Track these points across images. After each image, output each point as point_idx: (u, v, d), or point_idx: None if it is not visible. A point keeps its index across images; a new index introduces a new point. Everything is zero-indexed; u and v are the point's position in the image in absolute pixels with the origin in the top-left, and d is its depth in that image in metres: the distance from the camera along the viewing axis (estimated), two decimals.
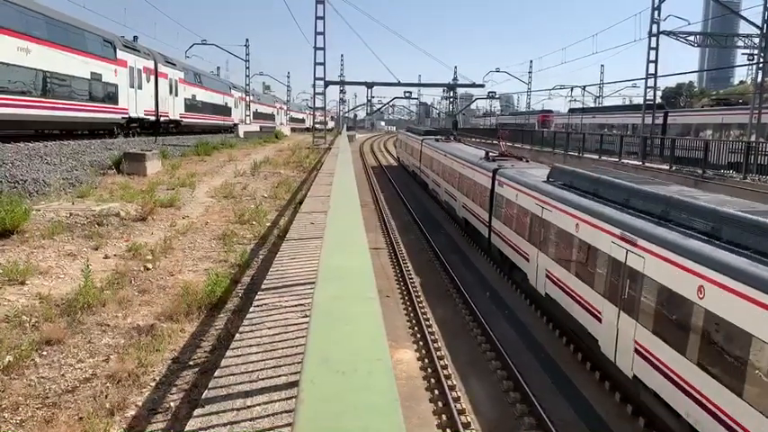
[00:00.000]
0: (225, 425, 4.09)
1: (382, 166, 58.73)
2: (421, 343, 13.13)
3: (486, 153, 25.35)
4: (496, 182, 20.31)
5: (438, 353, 12.49)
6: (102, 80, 31.92)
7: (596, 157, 28.86)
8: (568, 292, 13.32)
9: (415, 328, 14.06)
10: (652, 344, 9.68)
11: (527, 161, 23.70)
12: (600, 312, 11.62)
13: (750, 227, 8.56)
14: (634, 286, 10.31)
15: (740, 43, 37.72)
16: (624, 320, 10.62)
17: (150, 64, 39.61)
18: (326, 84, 56.39)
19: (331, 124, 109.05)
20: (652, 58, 33.42)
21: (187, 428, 4.14)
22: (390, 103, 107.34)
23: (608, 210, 12.05)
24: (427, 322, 14.36)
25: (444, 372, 11.55)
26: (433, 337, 13.41)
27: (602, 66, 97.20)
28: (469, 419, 9.97)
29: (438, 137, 45.62)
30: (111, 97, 33.24)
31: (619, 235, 11.03)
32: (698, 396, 8.36)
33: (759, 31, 31.20)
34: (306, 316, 5.91)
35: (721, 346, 8.12)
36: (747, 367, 7.53)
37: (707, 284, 8.36)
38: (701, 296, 8.46)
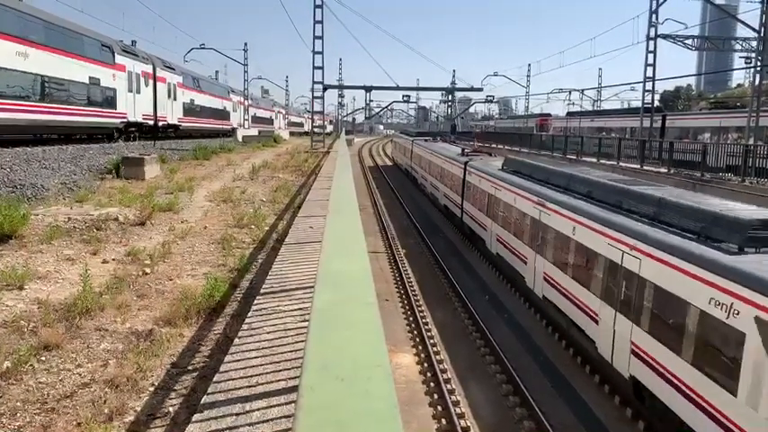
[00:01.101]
0: (224, 430, 4.08)
1: (380, 170, 60.77)
2: (420, 347, 13.11)
3: (462, 150, 31.06)
4: (466, 172, 25.07)
5: (437, 357, 12.47)
6: (101, 85, 31.93)
7: (594, 160, 28.88)
8: (507, 247, 18.34)
9: (415, 332, 14.05)
10: (553, 273, 14.40)
11: (493, 156, 28.46)
12: (525, 257, 16.53)
13: (640, 198, 11.79)
14: (545, 235, 15.09)
15: (738, 47, 37.82)
16: (539, 261, 15.39)
17: (149, 68, 39.63)
18: (325, 88, 56.42)
19: (329, 128, 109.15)
20: (650, 61, 33.51)
21: None
22: (389, 107, 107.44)
23: (534, 186, 16.86)
24: (426, 326, 14.34)
25: (444, 376, 11.53)
26: (432, 341, 13.39)
27: (600, 69, 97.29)
28: (469, 423, 9.95)
29: (426, 138, 52.33)
30: (110, 102, 33.24)
31: (536, 201, 15.96)
32: (643, 353, 9.91)
33: (756, 35, 31.28)
34: (305, 320, 5.90)
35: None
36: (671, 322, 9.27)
37: (605, 239, 11.56)
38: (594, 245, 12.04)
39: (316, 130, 65.39)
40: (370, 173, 55.10)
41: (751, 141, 27.71)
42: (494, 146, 45.73)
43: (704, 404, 8.20)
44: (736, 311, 7.66)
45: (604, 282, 11.39)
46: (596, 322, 11.64)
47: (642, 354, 9.87)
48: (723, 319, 7.87)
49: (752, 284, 7.47)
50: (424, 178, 39.73)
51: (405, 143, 55.18)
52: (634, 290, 10.17)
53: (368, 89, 62.81)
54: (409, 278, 18.65)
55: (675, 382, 8.91)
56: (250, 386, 4.73)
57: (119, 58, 34.41)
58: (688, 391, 8.59)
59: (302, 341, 5.25)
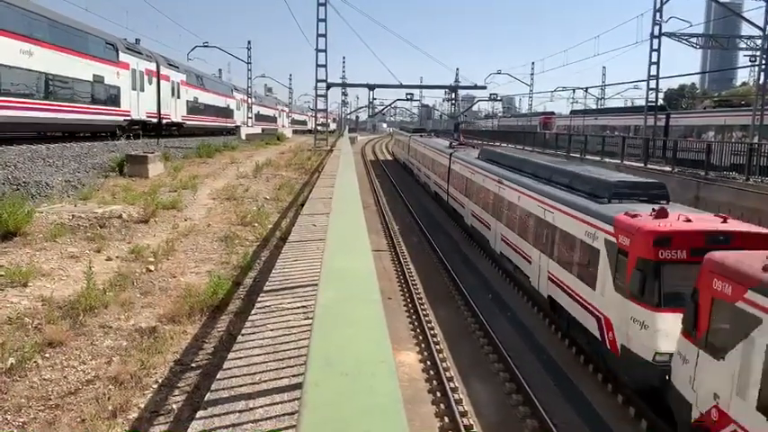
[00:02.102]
0: (227, 427, 4.09)
1: (382, 165, 63.68)
2: (423, 345, 13.11)
3: (450, 143, 36.61)
4: (451, 161, 29.69)
5: (440, 355, 12.47)
6: (105, 82, 31.98)
7: (598, 158, 28.83)
8: (479, 219, 22.86)
9: (418, 330, 14.05)
10: (508, 235, 18.66)
11: (475, 148, 32.85)
12: (489, 224, 20.98)
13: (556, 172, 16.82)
14: (501, 205, 19.48)
15: (742, 45, 37.72)
16: (498, 225, 19.68)
17: (152, 66, 39.68)
18: (328, 86, 56.37)
19: (333, 126, 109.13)
20: (654, 59, 33.44)
21: (189, 431, 4.14)
22: (392, 106, 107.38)
23: (498, 169, 21.23)
24: (429, 324, 14.35)
25: (447, 374, 11.53)
26: (435, 339, 13.39)
27: (604, 68, 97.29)
28: (472, 422, 9.95)
29: (422, 134, 60.77)
30: (114, 100, 33.29)
31: (497, 180, 20.23)
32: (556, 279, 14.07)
33: (761, 33, 31.18)
34: (308, 318, 5.91)
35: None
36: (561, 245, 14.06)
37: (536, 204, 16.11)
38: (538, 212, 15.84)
39: (319, 128, 65.34)
40: (372, 167, 58.95)
41: (756, 140, 27.62)
42: (493, 142, 45.77)
43: (579, 299, 12.61)
44: (596, 237, 11.95)
45: (534, 232, 15.96)
46: (529, 262, 16.07)
47: (553, 278, 14.22)
48: (591, 243, 12.18)
49: (604, 219, 11.80)
50: (418, 169, 44.61)
51: (403, 139, 61.40)
52: (550, 235, 14.71)
53: (371, 87, 62.70)
54: (412, 276, 18.64)
55: (568, 290, 13.28)
56: (254, 383, 4.74)
57: (123, 57, 34.45)
58: (573, 294, 12.98)
59: (306, 338, 5.26)
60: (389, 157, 75.60)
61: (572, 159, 24.87)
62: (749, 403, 7.21)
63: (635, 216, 11.02)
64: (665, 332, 9.58)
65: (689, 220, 10.64)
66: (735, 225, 10.63)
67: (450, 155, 30.17)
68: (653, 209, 11.18)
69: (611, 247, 11.25)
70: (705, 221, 10.90)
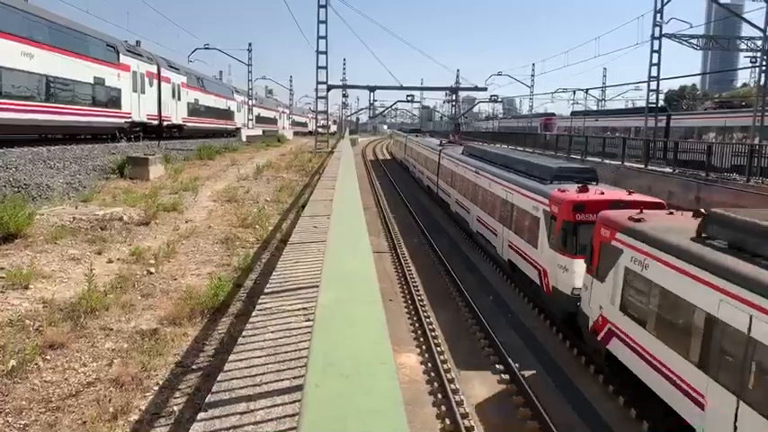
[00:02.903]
0: (228, 429, 4.09)
1: (381, 164, 67.06)
2: (424, 347, 13.11)
3: (440, 141, 42.12)
4: (440, 157, 33.79)
5: (441, 356, 12.46)
6: (106, 84, 32.03)
7: (599, 160, 28.82)
8: (461, 204, 26.65)
9: (419, 332, 14.04)
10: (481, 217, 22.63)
11: (461, 145, 36.57)
12: (468, 209, 24.76)
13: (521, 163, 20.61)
14: (477, 191, 23.22)
15: (743, 46, 37.70)
16: (475, 208, 23.48)
17: (153, 68, 39.72)
18: (329, 87, 56.45)
19: (333, 128, 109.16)
20: (654, 60, 33.44)
21: None
22: (393, 107, 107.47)
23: (476, 162, 25.30)
24: (430, 326, 14.34)
25: (447, 375, 11.52)
26: (436, 340, 13.38)
27: (605, 69, 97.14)
28: (472, 423, 9.95)
29: (417, 134, 68.51)
30: (115, 102, 33.34)
31: (474, 170, 24.34)
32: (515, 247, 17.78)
33: (762, 34, 31.17)
34: (309, 320, 5.91)
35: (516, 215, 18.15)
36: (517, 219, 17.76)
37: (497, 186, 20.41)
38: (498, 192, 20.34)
39: (320, 130, 65.35)
40: (372, 166, 63.20)
41: (756, 141, 27.61)
42: (493, 144, 45.85)
43: (526, 256, 16.59)
44: (539, 209, 15.70)
45: (499, 210, 19.78)
46: (496, 235, 19.99)
47: (511, 245, 18.08)
48: (535, 214, 15.96)
49: (544, 195, 15.50)
50: (414, 166, 49.08)
51: (400, 139, 67.22)
52: (509, 211, 18.54)
53: (372, 89, 62.77)
54: (413, 278, 18.63)
55: (518, 251, 17.33)
56: (254, 385, 4.74)
57: (123, 59, 34.50)
58: (521, 253, 16.99)
59: (307, 340, 5.26)
60: (388, 157, 79.97)
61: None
62: (616, 306, 10.86)
63: (563, 191, 14.95)
64: (579, 273, 13.11)
65: (602, 194, 14.69)
66: (634, 197, 14.32)
67: (440, 152, 34.47)
68: (578, 187, 14.98)
69: (547, 215, 15.07)
70: (613, 194, 14.70)
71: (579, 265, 13.04)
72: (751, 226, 8.44)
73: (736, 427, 7.45)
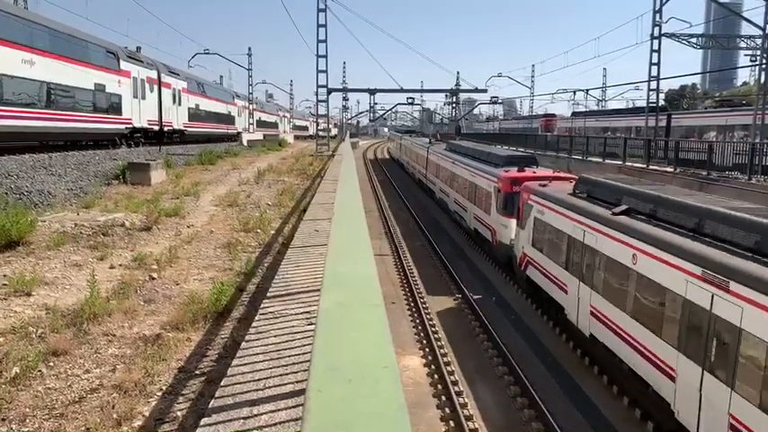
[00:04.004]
0: None
1: (379, 162, 71.72)
2: (427, 349, 13.09)
3: (429, 140, 48.76)
4: (428, 153, 39.89)
5: (444, 359, 12.44)
6: (106, 91, 32.08)
7: (600, 160, 28.80)
8: (444, 191, 31.96)
9: (422, 335, 14.03)
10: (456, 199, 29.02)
11: (446, 143, 42.37)
12: (448, 194, 30.06)
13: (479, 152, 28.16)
14: (456, 180, 28.21)
15: (742, 44, 37.68)
16: (453, 193, 28.97)
17: (153, 74, 39.79)
18: (329, 91, 56.52)
19: (334, 131, 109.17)
20: (654, 60, 33.41)
21: None
22: (393, 110, 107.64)
23: (452, 154, 31.26)
24: (433, 328, 14.32)
25: (451, 378, 11.50)
26: (439, 343, 13.37)
27: (605, 69, 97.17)
28: (477, 425, 9.93)
29: (412, 134, 78.29)
30: (115, 108, 33.38)
31: (452, 162, 29.84)
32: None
33: (761, 32, 31.15)
34: (312, 323, 5.90)
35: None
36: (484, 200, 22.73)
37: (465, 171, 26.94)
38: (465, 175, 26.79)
39: (320, 133, 65.38)
40: (371, 165, 69.01)
41: (757, 139, 27.57)
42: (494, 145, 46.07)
43: (483, 222, 22.05)
44: (492, 186, 20.96)
45: (468, 191, 25.25)
46: (465, 211, 25.67)
47: (475, 216, 23.58)
48: (490, 190, 21.12)
49: (496, 176, 20.90)
50: (407, 162, 55.82)
51: (398, 139, 73.77)
52: (474, 191, 23.96)
53: (372, 92, 62.95)
54: (415, 281, 18.61)
55: (479, 220, 22.79)
56: (258, 389, 4.73)
57: (124, 65, 34.56)
58: (481, 220, 22.42)
59: (309, 344, 5.24)
60: (387, 157, 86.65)
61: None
62: (529, 243, 16.22)
63: (507, 172, 20.77)
64: (513, 228, 18.56)
65: (534, 173, 20.38)
66: (554, 174, 19.90)
67: (428, 148, 40.96)
68: (518, 168, 20.94)
69: (496, 189, 20.67)
70: (541, 173, 20.38)
71: (513, 223, 18.55)
72: (593, 181, 14.31)
73: (591, 298, 12.16)
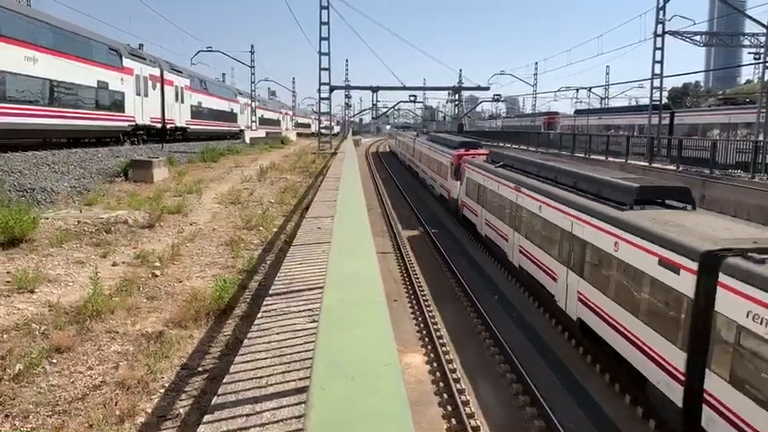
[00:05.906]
0: (234, 431, 4.09)
1: (379, 156, 75.12)
2: (429, 347, 13.10)
3: (417, 133, 57.80)
4: (415, 143, 48.85)
5: (447, 356, 12.45)
6: (109, 88, 32.13)
7: (603, 158, 28.78)
8: (429, 176, 38.94)
9: (424, 332, 14.03)
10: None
11: (429, 134, 53.10)
12: (435, 180, 36.81)
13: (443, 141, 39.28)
14: (429, 159, 39.44)
15: (746, 42, 37.57)
16: (437, 177, 35.68)
17: (156, 71, 39.83)
18: (332, 89, 56.53)
19: (336, 129, 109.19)
20: (658, 58, 33.29)
21: None
22: (395, 108, 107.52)
23: (430, 143, 41.26)
24: (435, 326, 14.32)
25: (453, 375, 11.51)
26: (441, 340, 13.37)
27: (608, 67, 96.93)
28: (479, 423, 9.93)
29: (406, 129, 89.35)
30: (118, 105, 33.43)
31: (428, 148, 40.55)
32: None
33: (765, 30, 31.05)
34: (314, 321, 5.91)
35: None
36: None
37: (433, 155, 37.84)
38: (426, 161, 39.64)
39: (323, 131, 65.38)
40: (372, 157, 74.30)
41: (761, 137, 27.50)
42: (495, 142, 46.20)
43: (443, 187, 32.84)
44: (449, 161, 30.97)
45: (436, 167, 35.25)
46: (435, 182, 36.14)
47: (442, 185, 33.09)
48: (447, 164, 31.50)
49: (450, 154, 31.33)
50: (402, 154, 63.46)
51: (395, 135, 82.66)
52: (437, 167, 34.90)
53: (374, 89, 62.88)
54: (417, 278, 18.62)
55: (442, 186, 33.07)
56: (260, 387, 4.73)
57: (126, 62, 34.60)
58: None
59: (312, 341, 5.25)
60: (387, 150, 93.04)
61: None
62: (463, 193, 26.05)
63: (458, 151, 30.08)
64: (458, 188, 27.12)
65: (476, 152, 29.17)
66: (486, 152, 27.40)
67: (414, 139, 50.19)
68: (465, 149, 29.99)
69: (451, 164, 29.65)
70: (477, 152, 29.24)
71: (458, 185, 27.16)
72: (495, 153, 25.01)
73: (487, 217, 21.76)
